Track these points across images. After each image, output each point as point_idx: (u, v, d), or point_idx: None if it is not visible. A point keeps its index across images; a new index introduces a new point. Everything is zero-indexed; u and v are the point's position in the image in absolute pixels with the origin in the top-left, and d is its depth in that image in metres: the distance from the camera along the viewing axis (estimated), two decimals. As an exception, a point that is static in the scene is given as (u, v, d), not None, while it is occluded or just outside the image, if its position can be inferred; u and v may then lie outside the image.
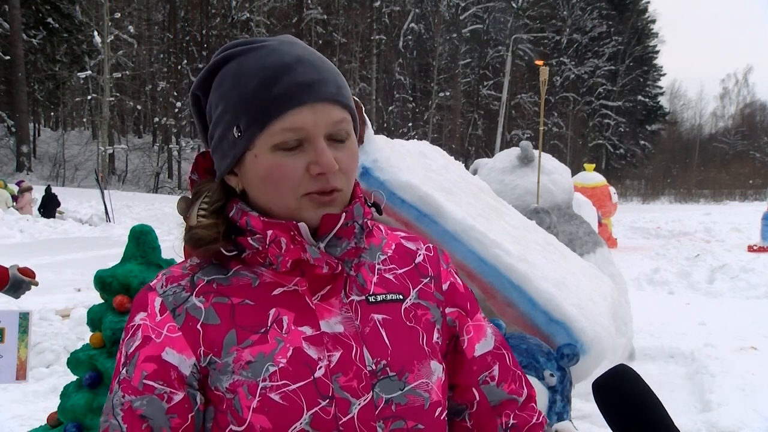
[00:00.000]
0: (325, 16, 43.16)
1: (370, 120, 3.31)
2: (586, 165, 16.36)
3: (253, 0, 40.23)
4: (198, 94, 0.98)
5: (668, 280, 9.49)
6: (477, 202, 3.72)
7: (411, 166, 3.44)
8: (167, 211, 21.78)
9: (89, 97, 32.79)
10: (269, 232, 0.91)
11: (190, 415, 0.89)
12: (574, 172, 10.70)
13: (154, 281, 0.95)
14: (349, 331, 0.92)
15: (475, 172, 6.51)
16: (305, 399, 0.87)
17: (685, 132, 68.93)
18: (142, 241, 2.61)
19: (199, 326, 0.90)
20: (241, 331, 0.90)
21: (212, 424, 0.91)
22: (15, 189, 17.91)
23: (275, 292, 0.93)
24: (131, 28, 33.05)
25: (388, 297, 0.98)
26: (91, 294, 6.69)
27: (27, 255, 11.34)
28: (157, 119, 38.82)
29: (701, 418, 4.02)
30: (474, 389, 1.04)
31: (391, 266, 1.02)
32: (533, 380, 2.82)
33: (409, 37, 47.08)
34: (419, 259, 1.06)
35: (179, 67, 39.83)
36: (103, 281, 2.57)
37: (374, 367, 0.92)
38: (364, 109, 3.21)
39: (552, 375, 2.84)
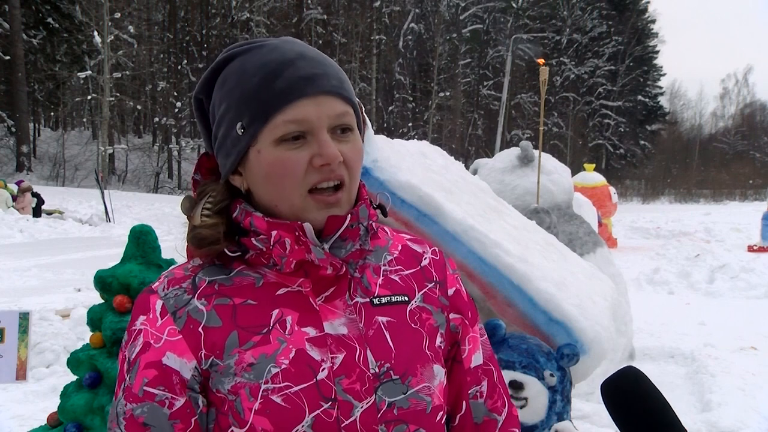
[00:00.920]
0: (325, 16, 43.15)
1: (370, 120, 3.31)
2: (586, 165, 16.37)
3: (253, 0, 40.21)
4: (201, 97, 0.97)
5: (668, 280, 9.49)
6: (477, 202, 3.72)
7: (411, 166, 3.44)
8: (167, 211, 21.78)
9: (89, 97, 32.77)
10: (273, 233, 0.90)
11: (193, 419, 0.89)
12: (574, 172, 10.70)
13: (156, 283, 0.95)
14: (352, 333, 0.92)
15: (475, 172, 6.51)
16: (307, 401, 0.87)
17: (685, 132, 68.93)
18: (142, 241, 2.61)
19: (200, 329, 0.90)
20: (243, 332, 0.89)
21: (214, 426, 0.91)
22: (15, 189, 17.90)
23: (279, 293, 0.93)
24: (131, 28, 33.04)
25: (393, 299, 0.97)
26: (91, 294, 6.69)
27: (27, 255, 11.34)
28: (157, 119, 38.81)
29: (701, 418, 4.02)
30: (463, 401, 1.04)
31: (398, 267, 1.02)
32: (533, 380, 2.82)
33: (409, 37, 47.07)
34: (425, 262, 1.05)
35: (179, 67, 39.81)
36: (103, 281, 2.57)
37: (377, 370, 0.91)
38: (364, 109, 3.21)
39: (552, 375, 2.84)
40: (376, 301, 0.96)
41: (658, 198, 54.26)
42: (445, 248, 3.20)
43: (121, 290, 2.56)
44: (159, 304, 0.92)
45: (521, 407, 2.75)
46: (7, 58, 29.88)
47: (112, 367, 2.50)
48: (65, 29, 33.22)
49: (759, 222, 14.54)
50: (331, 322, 0.92)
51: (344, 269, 0.93)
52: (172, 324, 0.90)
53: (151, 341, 0.90)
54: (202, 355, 0.89)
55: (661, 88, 58.62)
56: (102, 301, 2.67)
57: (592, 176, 15.71)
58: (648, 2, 56.04)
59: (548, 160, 6.56)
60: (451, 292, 1.05)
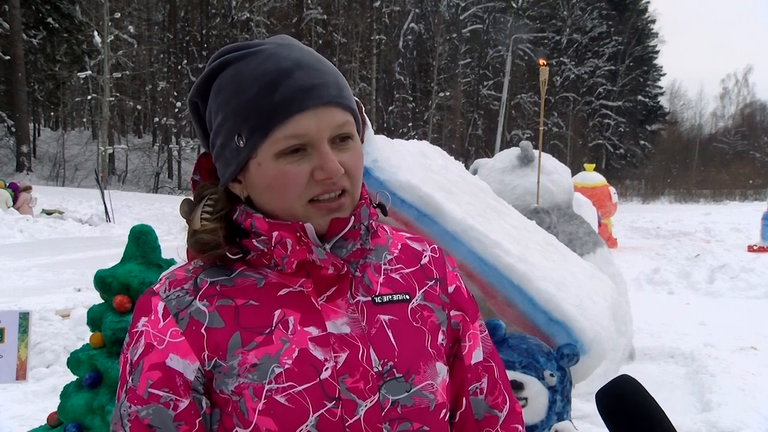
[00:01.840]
0: (325, 16, 43.14)
1: (370, 120, 3.31)
2: (586, 165, 16.36)
3: (253, 0, 40.20)
4: (196, 101, 0.96)
5: (668, 280, 9.49)
6: (477, 202, 3.72)
7: (411, 166, 3.43)
8: (167, 211, 21.78)
9: (89, 97, 32.75)
10: (275, 234, 0.90)
11: (197, 421, 0.89)
12: (574, 172, 10.69)
13: (158, 285, 0.95)
14: (355, 332, 0.92)
15: (475, 172, 6.51)
16: (311, 401, 0.87)
17: (685, 132, 68.91)
18: (142, 241, 2.61)
19: (203, 330, 0.90)
20: (246, 333, 0.89)
21: (218, 426, 0.91)
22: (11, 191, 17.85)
23: (281, 293, 0.93)
24: (131, 28, 33.02)
25: (395, 297, 0.98)
26: (91, 294, 6.69)
27: (27, 255, 11.34)
28: (157, 119, 38.80)
29: (701, 418, 4.02)
30: (464, 398, 1.04)
31: (398, 266, 1.02)
32: (533, 380, 2.82)
33: (409, 37, 47.06)
34: (425, 260, 1.05)
35: (179, 67, 39.80)
36: (103, 281, 2.57)
37: (381, 369, 0.91)
38: (364, 109, 3.21)
39: (552, 375, 2.84)
40: (377, 299, 0.96)
41: (658, 198, 54.25)
42: (445, 248, 3.20)
43: (121, 290, 2.56)
44: (161, 305, 0.92)
45: (521, 407, 2.75)
46: (7, 58, 29.86)
47: (112, 367, 2.50)
48: (65, 29, 33.20)
49: (759, 222, 14.53)
50: (334, 322, 0.92)
51: (345, 269, 0.93)
52: (174, 326, 0.90)
53: (154, 343, 0.89)
54: (205, 356, 0.89)
55: (661, 88, 58.62)
56: (102, 301, 2.67)
57: (592, 176, 15.71)
58: (648, 2, 56.04)
59: (548, 160, 6.56)
60: (451, 289, 1.05)
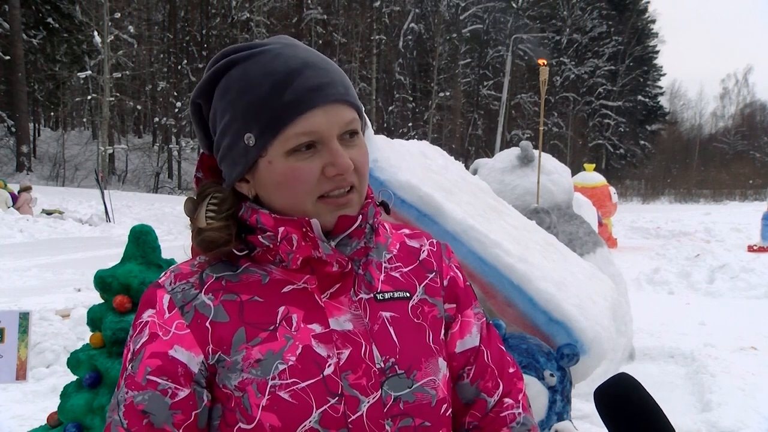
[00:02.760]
0: (325, 16, 43.14)
1: (370, 120, 3.31)
2: (586, 165, 16.36)
3: (253, 0, 40.20)
4: (199, 102, 0.96)
5: (668, 280, 9.49)
6: (477, 202, 3.72)
7: (411, 166, 3.43)
8: (167, 211, 21.78)
9: (89, 97, 32.76)
10: (281, 229, 0.91)
11: (194, 413, 0.89)
12: (574, 172, 10.70)
13: (163, 278, 0.95)
14: (358, 329, 0.93)
15: (475, 172, 6.51)
16: (314, 397, 0.87)
17: (685, 132, 68.93)
18: (142, 241, 2.61)
19: (207, 324, 0.90)
20: (250, 329, 0.90)
21: (220, 422, 0.91)
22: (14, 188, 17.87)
23: (285, 290, 0.93)
24: (131, 28, 33.02)
25: (396, 295, 0.99)
26: (91, 294, 6.69)
27: (27, 255, 11.34)
28: (157, 119, 38.80)
29: (701, 418, 4.02)
30: (451, 383, 1.04)
31: (397, 264, 1.03)
32: (533, 380, 2.82)
33: (409, 37, 47.06)
34: (423, 255, 1.06)
35: (179, 67, 39.80)
36: (103, 281, 2.57)
37: (383, 365, 0.92)
38: (364, 109, 3.21)
39: (552, 375, 2.84)
40: (379, 296, 0.97)
41: (658, 198, 54.27)
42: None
43: (121, 290, 2.56)
44: (166, 298, 0.92)
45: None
46: (7, 58, 29.86)
47: (112, 367, 2.50)
48: (65, 29, 33.20)
49: (759, 222, 14.53)
50: (337, 319, 0.93)
51: (350, 266, 0.94)
52: (180, 318, 0.91)
53: (159, 333, 0.90)
54: (210, 350, 0.90)
55: (661, 88, 58.65)
56: (102, 301, 2.67)
57: (592, 176, 15.71)
58: (648, 2, 56.07)
59: (548, 160, 6.56)
60: (446, 282, 1.06)
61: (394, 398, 0.91)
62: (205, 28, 41.47)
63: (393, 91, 47.11)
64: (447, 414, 0.98)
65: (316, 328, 0.91)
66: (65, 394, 2.61)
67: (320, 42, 42.12)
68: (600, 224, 12.66)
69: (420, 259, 1.05)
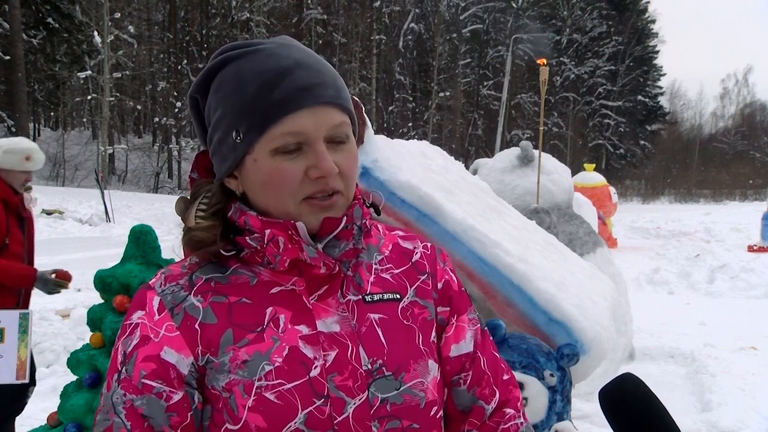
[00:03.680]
0: (325, 16, 43.13)
1: (370, 120, 3.31)
2: (586, 165, 16.37)
3: (253, 0, 40.20)
4: (196, 96, 0.98)
5: (668, 280, 9.49)
6: (477, 202, 3.72)
7: (411, 166, 3.44)
8: (167, 211, 21.77)
9: (89, 97, 32.76)
10: (267, 231, 0.91)
11: (189, 414, 0.90)
12: (574, 172, 10.70)
13: (153, 280, 0.96)
14: (345, 331, 0.93)
15: (475, 172, 6.51)
16: (300, 398, 0.88)
17: (685, 132, 68.95)
18: (142, 241, 2.61)
19: (197, 325, 0.91)
20: (238, 330, 0.90)
21: (209, 423, 0.91)
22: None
23: (272, 291, 0.94)
24: (131, 28, 33.02)
25: (385, 296, 0.98)
26: (91, 294, 6.69)
27: (27, 255, 11.33)
28: (157, 119, 38.80)
29: (701, 418, 4.02)
30: (445, 388, 1.04)
31: (388, 266, 1.02)
32: (533, 380, 2.82)
33: (409, 37, 47.06)
34: (416, 257, 1.06)
35: (179, 67, 39.80)
36: (103, 281, 2.57)
37: (370, 367, 0.92)
38: (364, 109, 3.21)
39: (552, 375, 2.84)
40: (368, 298, 0.97)
41: (658, 198, 54.28)
42: (445, 248, 3.20)
43: (121, 290, 2.56)
44: (156, 300, 0.93)
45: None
46: (7, 58, 29.85)
47: (112, 367, 2.50)
48: (65, 29, 33.20)
49: (759, 222, 14.54)
50: (324, 320, 0.93)
51: (337, 268, 0.94)
52: (169, 320, 0.91)
53: (150, 335, 0.90)
54: (199, 351, 0.90)
55: (661, 88, 58.62)
56: (102, 301, 2.67)
57: (592, 176, 15.71)
58: (648, 2, 56.05)
59: (548, 160, 6.56)
60: (440, 285, 1.06)
61: (381, 400, 0.91)
62: (205, 28, 41.47)
63: (393, 91, 47.10)
64: (437, 416, 0.97)
65: (303, 329, 0.91)
66: (65, 394, 2.61)
67: (320, 42, 42.10)
68: (601, 222, 12.67)
69: (412, 261, 1.05)
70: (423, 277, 1.04)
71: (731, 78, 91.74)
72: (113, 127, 34.95)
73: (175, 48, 40.68)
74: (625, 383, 1.00)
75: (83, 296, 7.13)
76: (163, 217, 19.48)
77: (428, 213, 3.23)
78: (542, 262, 3.45)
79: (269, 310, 0.92)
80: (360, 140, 3.18)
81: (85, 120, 41.46)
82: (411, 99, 47.37)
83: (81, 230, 16.07)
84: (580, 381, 3.28)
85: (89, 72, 30.96)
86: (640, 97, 54.59)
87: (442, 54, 46.02)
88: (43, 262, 10.55)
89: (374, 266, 1.01)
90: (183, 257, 1.00)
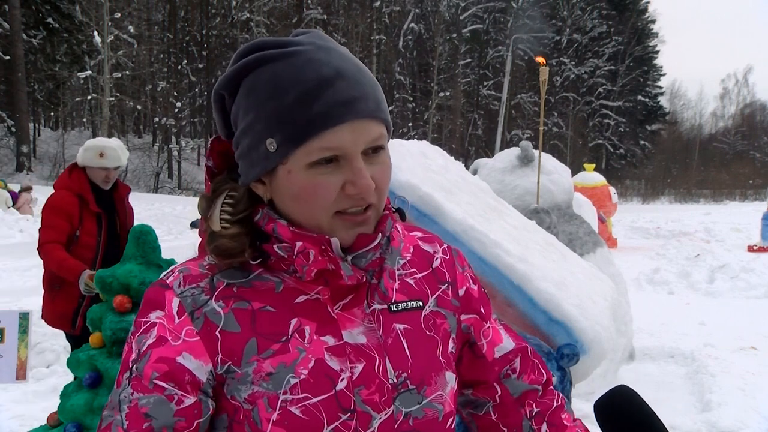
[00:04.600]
0: (325, 16, 43.13)
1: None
2: (586, 165, 16.36)
3: (253, 0, 40.20)
4: (223, 93, 0.92)
5: (668, 280, 9.49)
6: (477, 202, 3.72)
7: (411, 166, 3.43)
8: (167, 211, 21.76)
9: (89, 97, 32.76)
10: (298, 244, 0.88)
11: (197, 422, 0.87)
12: (574, 172, 10.69)
13: (171, 278, 0.92)
14: (371, 343, 0.91)
15: (475, 172, 6.51)
16: (326, 413, 0.86)
17: (685, 132, 68.96)
18: (142, 241, 2.61)
19: (217, 332, 0.88)
20: (262, 340, 0.88)
21: None
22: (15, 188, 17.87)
23: (297, 300, 0.91)
24: (131, 28, 33.01)
25: (410, 305, 0.97)
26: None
27: (27, 255, 11.33)
28: (157, 119, 38.79)
29: (701, 418, 4.02)
30: (496, 384, 1.06)
31: (411, 270, 1.01)
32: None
33: (409, 37, 47.07)
34: (436, 263, 1.04)
35: (179, 67, 39.80)
36: (103, 281, 2.57)
37: (396, 380, 0.90)
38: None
39: (552, 375, 2.85)
40: (393, 307, 0.95)
41: (658, 198, 54.28)
42: (445, 248, 3.20)
43: (121, 290, 2.56)
44: (176, 301, 0.89)
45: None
46: (7, 58, 29.84)
47: (112, 367, 2.50)
48: (65, 29, 33.19)
49: (759, 222, 14.53)
50: (350, 331, 0.90)
51: (365, 279, 0.92)
52: (190, 324, 0.88)
53: (168, 338, 0.87)
54: (219, 359, 0.87)
55: (661, 88, 58.65)
56: (102, 301, 2.67)
57: (592, 176, 15.71)
58: (648, 2, 56.06)
59: (548, 160, 6.55)
60: (461, 292, 1.05)
61: (404, 414, 0.90)
62: (205, 28, 41.46)
63: (393, 91, 47.10)
64: (452, 427, 0.97)
65: (329, 340, 0.89)
66: (65, 394, 2.61)
67: (320, 42, 42.00)
68: (602, 221, 12.67)
69: (433, 267, 1.03)
70: (443, 287, 1.02)
71: (731, 78, 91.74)
72: (113, 127, 34.94)
73: (175, 48, 40.67)
74: (619, 395, 1.01)
75: (83, 296, 7.12)
76: (163, 217, 19.45)
77: (428, 213, 3.23)
78: (542, 262, 3.45)
79: (294, 320, 0.89)
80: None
81: (85, 120, 41.46)
82: (411, 99, 47.36)
83: (81, 230, 16.05)
84: (580, 381, 3.28)
85: (89, 72, 30.95)
86: (640, 97, 54.61)
87: (442, 54, 46.02)
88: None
89: (397, 272, 0.99)
90: (197, 251, 0.97)
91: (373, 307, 0.93)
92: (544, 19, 48.05)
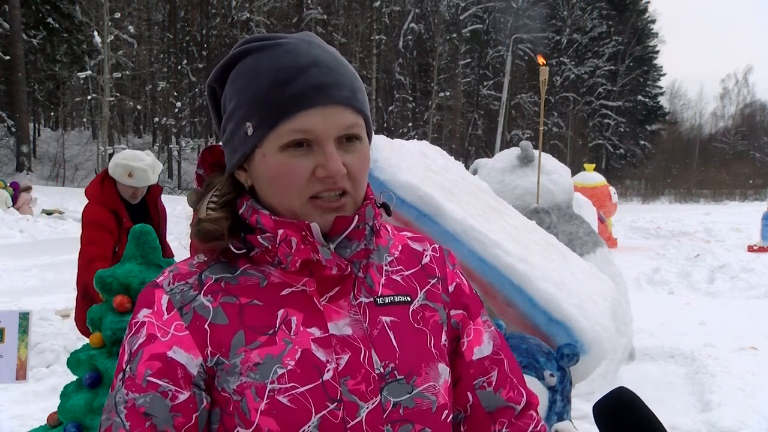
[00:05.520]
0: (325, 16, 43.14)
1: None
2: (586, 165, 16.36)
3: (253, 0, 40.20)
4: (214, 86, 0.97)
5: (668, 280, 9.49)
6: (477, 202, 3.72)
7: (411, 166, 3.43)
8: (167, 212, 21.74)
9: (89, 97, 32.77)
10: (280, 232, 0.90)
11: (194, 415, 0.88)
12: (574, 172, 10.69)
13: (161, 278, 0.94)
14: (357, 334, 0.92)
15: (475, 172, 6.51)
16: (313, 402, 0.87)
17: (685, 132, 68.96)
18: (142, 241, 2.61)
19: (206, 326, 0.90)
20: (249, 332, 0.89)
21: (218, 426, 0.90)
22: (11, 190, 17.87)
23: (283, 293, 0.93)
24: (131, 28, 33.02)
25: (396, 299, 0.98)
26: (91, 294, 6.67)
27: (27, 255, 11.34)
28: (157, 119, 38.81)
29: (701, 418, 4.02)
30: (469, 393, 1.04)
31: (399, 267, 1.02)
32: (533, 380, 2.82)
33: (409, 37, 47.06)
34: (426, 260, 1.05)
35: (179, 67, 39.80)
36: (103, 281, 2.57)
37: (382, 371, 0.92)
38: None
39: (552, 375, 2.84)
40: (380, 300, 0.96)
41: (658, 198, 54.25)
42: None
43: (121, 290, 2.56)
44: (165, 298, 0.92)
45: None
46: (7, 58, 29.85)
47: (112, 367, 2.50)
48: (65, 29, 33.19)
49: (759, 222, 14.53)
50: (336, 323, 0.92)
51: (349, 269, 0.93)
52: (179, 319, 0.90)
53: (158, 334, 0.89)
54: (209, 352, 0.89)
55: (661, 88, 58.64)
56: (102, 301, 2.66)
57: (592, 176, 15.70)
58: (648, 2, 56.06)
59: (548, 160, 6.55)
60: (451, 288, 1.05)
61: (393, 404, 0.91)
62: (205, 28, 41.45)
63: (393, 91, 47.10)
64: (448, 420, 0.97)
65: (315, 332, 0.91)
66: (65, 394, 2.60)
67: (320, 42, 42.01)
68: (602, 221, 12.66)
69: (422, 263, 1.04)
70: (433, 281, 1.03)
71: (731, 78, 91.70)
72: (113, 127, 34.95)
73: (175, 48, 40.67)
74: (618, 397, 1.01)
75: (83, 296, 7.11)
76: (163, 217, 19.43)
77: (428, 213, 3.23)
78: (542, 262, 3.45)
79: (281, 312, 0.91)
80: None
81: (85, 120, 41.46)
82: (411, 99, 47.35)
83: (80, 231, 16.05)
84: (580, 381, 3.28)
85: (89, 72, 30.96)
86: (640, 97, 54.60)
87: (442, 54, 46.01)
88: (44, 261, 10.55)
89: (384, 267, 1.00)
90: (189, 251, 0.99)
91: (359, 300, 0.95)
92: (544, 19, 48.06)
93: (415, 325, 0.97)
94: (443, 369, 0.98)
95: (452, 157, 4.37)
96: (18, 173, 29.72)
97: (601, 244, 5.91)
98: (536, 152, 6.22)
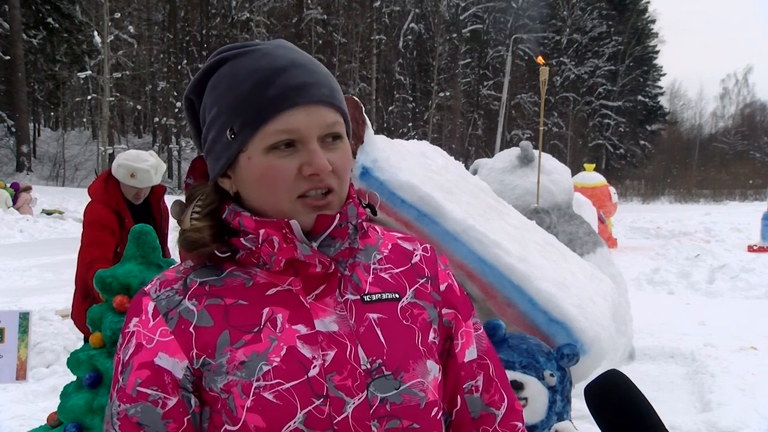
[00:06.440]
0: (325, 16, 43.14)
1: (370, 120, 3.31)
2: (586, 165, 16.35)
3: (253, 0, 40.20)
4: (192, 98, 0.98)
5: (668, 280, 9.48)
6: (477, 202, 3.71)
7: (411, 166, 3.43)
8: (170, 212, 21.74)
9: (89, 97, 32.79)
10: (261, 231, 0.91)
11: (185, 419, 0.90)
12: (574, 172, 10.69)
13: (149, 286, 0.96)
14: (343, 330, 0.93)
15: (475, 172, 6.51)
16: (299, 398, 0.87)
17: (685, 132, 68.94)
18: (142, 241, 2.61)
19: (191, 329, 0.91)
20: (234, 332, 0.90)
21: (208, 425, 0.92)
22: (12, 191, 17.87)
23: (269, 292, 0.93)
24: (131, 28, 33.04)
25: (384, 296, 0.98)
26: (91, 294, 6.68)
27: (27, 255, 11.34)
28: (157, 119, 38.80)
29: (701, 418, 4.02)
30: (459, 396, 1.04)
31: (387, 266, 1.02)
32: (533, 380, 2.82)
33: (409, 37, 47.06)
34: (416, 259, 1.06)
35: (179, 67, 39.80)
36: (103, 281, 2.57)
37: (369, 366, 0.92)
38: (364, 109, 3.21)
39: (552, 375, 2.84)
40: (366, 298, 0.97)
41: (658, 198, 54.23)
42: (445, 248, 3.20)
43: (121, 290, 2.56)
44: (151, 305, 0.93)
45: (521, 406, 2.75)
46: (7, 58, 29.87)
47: (111, 367, 2.50)
48: (65, 29, 33.20)
49: (759, 222, 14.52)
50: (322, 320, 0.92)
51: (333, 267, 0.94)
52: (164, 325, 0.91)
53: (144, 342, 0.91)
54: (194, 354, 0.90)
55: (661, 88, 58.61)
56: (102, 301, 2.66)
57: (592, 176, 15.69)
58: (648, 2, 56.05)
59: (548, 160, 6.55)
60: (443, 287, 1.06)
61: (380, 399, 0.91)
62: (205, 28, 41.46)
63: (393, 91, 47.10)
64: (438, 417, 0.97)
65: (301, 329, 0.91)
66: (65, 394, 2.60)
67: (320, 42, 42.09)
68: (602, 221, 12.66)
69: (412, 262, 1.05)
70: (422, 280, 1.04)
71: (731, 78, 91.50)
72: (113, 127, 34.94)
73: (175, 48, 40.67)
74: (610, 379, 1.01)
75: (83, 296, 7.11)
76: (163, 217, 19.44)
77: (428, 213, 3.23)
78: (542, 262, 3.45)
79: (266, 310, 0.92)
80: (360, 140, 3.18)
81: (85, 120, 41.46)
82: (411, 99, 47.36)
83: (81, 230, 16.06)
84: (580, 381, 3.28)
85: (89, 72, 30.98)
86: (640, 97, 54.59)
87: (442, 54, 46.02)
88: (44, 261, 10.55)
89: (372, 266, 1.01)
90: (179, 258, 1.00)
91: (346, 297, 0.95)
92: (544, 19, 48.05)
93: (404, 321, 0.98)
94: (432, 366, 0.98)
95: (452, 157, 4.37)
96: (18, 173, 29.73)
97: (601, 244, 5.91)
98: (536, 152, 6.22)
